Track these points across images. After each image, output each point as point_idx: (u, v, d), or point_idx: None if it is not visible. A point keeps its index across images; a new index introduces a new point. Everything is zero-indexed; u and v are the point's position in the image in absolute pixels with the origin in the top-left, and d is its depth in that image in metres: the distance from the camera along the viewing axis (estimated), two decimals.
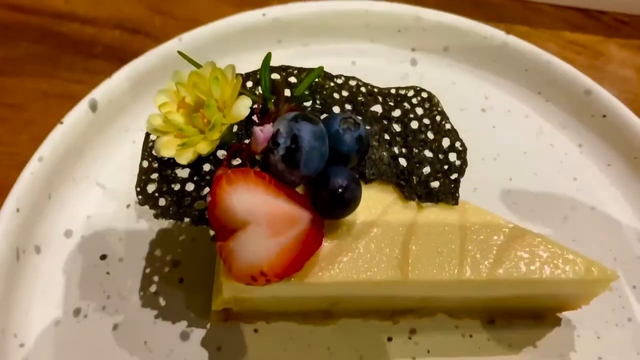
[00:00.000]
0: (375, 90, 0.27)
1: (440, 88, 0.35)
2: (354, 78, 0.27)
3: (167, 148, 0.22)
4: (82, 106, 0.29)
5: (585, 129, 0.33)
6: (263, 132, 0.22)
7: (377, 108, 0.27)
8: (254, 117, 0.24)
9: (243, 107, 0.22)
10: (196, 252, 0.28)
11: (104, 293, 0.27)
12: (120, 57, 0.37)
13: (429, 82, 0.35)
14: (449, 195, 0.25)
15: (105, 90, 0.30)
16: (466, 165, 0.25)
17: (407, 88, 0.27)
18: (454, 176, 0.25)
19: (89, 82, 0.35)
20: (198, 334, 0.26)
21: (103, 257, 0.28)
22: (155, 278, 0.27)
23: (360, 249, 0.23)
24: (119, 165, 0.30)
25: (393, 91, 0.27)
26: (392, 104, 0.27)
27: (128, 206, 0.29)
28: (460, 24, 0.35)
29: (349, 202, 0.23)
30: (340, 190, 0.22)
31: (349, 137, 0.23)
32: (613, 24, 0.42)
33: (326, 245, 0.23)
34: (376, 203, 0.24)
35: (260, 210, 0.21)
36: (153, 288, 0.27)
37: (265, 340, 0.26)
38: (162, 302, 0.27)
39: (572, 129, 0.34)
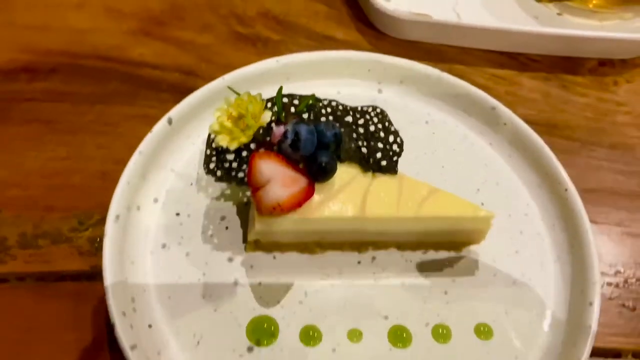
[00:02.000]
0: (348, 107, 0.43)
1: (397, 108, 0.51)
2: (334, 100, 0.43)
3: (223, 141, 0.38)
4: (163, 121, 0.45)
5: (494, 132, 0.49)
6: (278, 130, 0.38)
7: (349, 118, 0.43)
8: (272, 125, 0.40)
9: (266, 117, 0.38)
10: (235, 211, 0.44)
11: (179, 235, 0.43)
12: (180, 91, 0.53)
13: (390, 104, 0.51)
14: (392, 169, 0.41)
15: (176, 111, 0.46)
16: (402, 151, 0.41)
17: (368, 106, 0.43)
18: (395, 158, 0.41)
19: (160, 107, 0.51)
20: (239, 258, 0.42)
21: (177, 214, 0.43)
22: (211, 227, 0.43)
23: (337, 198, 0.39)
24: (184, 158, 0.46)
25: (359, 108, 0.43)
26: (358, 116, 0.43)
27: (191, 184, 0.45)
28: (409, 65, 0.51)
29: (329, 170, 0.38)
30: (323, 163, 0.38)
31: (329, 133, 0.39)
32: (526, 62, 0.58)
33: (316, 197, 0.39)
34: (347, 174, 0.40)
35: (277, 173, 0.37)
36: (209, 232, 0.43)
37: (280, 263, 0.42)
38: (215, 240, 0.43)
39: (486, 133, 0.50)
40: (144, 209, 0.43)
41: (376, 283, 0.42)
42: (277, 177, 0.37)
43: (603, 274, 0.45)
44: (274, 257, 0.42)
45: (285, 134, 0.38)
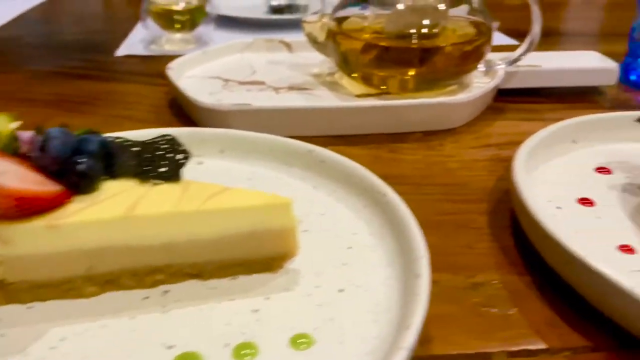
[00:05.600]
0: (138, 141, 0.39)
1: (220, 173, 0.48)
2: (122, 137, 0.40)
3: None
4: None
5: (317, 175, 0.46)
6: (25, 136, 0.33)
7: (136, 149, 0.39)
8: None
9: (12, 125, 0.34)
10: None
11: None
12: None
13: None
14: (174, 176, 0.35)
15: None
16: (187, 161, 0.37)
17: (159, 135, 0.40)
18: (179, 166, 0.36)
19: None
20: None
21: None
22: None
23: (102, 205, 0.32)
24: None
25: (149, 140, 0.40)
26: (147, 145, 0.39)
27: None
28: (225, 133, 0.50)
29: (87, 172, 0.33)
30: (79, 164, 0.33)
31: (93, 141, 0.35)
32: (354, 140, 0.59)
33: (74, 205, 0.32)
34: (119, 186, 0.34)
35: (12, 169, 0.31)
36: None
37: (37, 312, 0.32)
38: None
39: (308, 178, 0.46)
40: None
41: (164, 315, 0.32)
42: (11, 172, 0.30)
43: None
44: (29, 308, 0.32)
45: (33, 139, 0.33)
